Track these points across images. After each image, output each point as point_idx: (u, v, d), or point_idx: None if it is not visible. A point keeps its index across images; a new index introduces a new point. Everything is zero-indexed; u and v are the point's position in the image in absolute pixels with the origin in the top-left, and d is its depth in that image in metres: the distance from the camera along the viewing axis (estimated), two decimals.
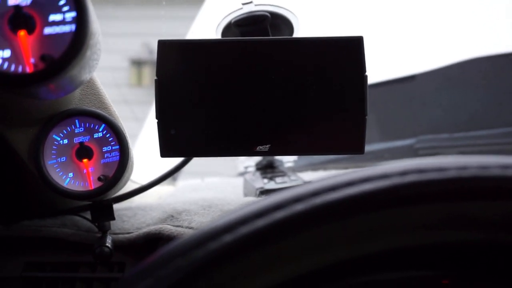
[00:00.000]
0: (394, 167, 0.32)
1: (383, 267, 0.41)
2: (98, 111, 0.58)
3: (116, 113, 0.61)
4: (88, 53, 0.42)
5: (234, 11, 0.66)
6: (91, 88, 0.59)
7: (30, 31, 0.41)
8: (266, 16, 0.65)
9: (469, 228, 0.32)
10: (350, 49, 0.57)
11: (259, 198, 0.67)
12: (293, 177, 0.82)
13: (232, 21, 0.66)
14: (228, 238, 0.30)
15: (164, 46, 0.57)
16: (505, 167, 0.31)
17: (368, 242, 0.32)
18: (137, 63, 4.58)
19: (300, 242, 0.31)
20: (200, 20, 1.52)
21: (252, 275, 0.30)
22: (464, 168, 0.31)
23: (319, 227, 0.30)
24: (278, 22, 0.68)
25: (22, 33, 0.41)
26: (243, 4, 0.65)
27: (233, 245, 0.30)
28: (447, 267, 0.40)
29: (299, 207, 0.30)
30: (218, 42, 0.59)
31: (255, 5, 0.65)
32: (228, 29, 0.68)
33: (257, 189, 0.76)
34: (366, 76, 0.57)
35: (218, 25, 0.69)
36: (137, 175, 0.90)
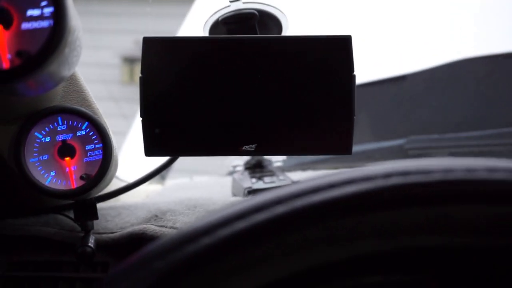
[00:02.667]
0: (378, 169, 0.31)
1: (365, 270, 0.40)
2: (82, 108, 0.57)
3: (100, 111, 0.60)
4: (67, 50, 0.41)
5: (222, 8, 0.65)
6: (74, 85, 0.58)
7: (7, 26, 0.40)
8: (254, 14, 0.64)
9: (453, 233, 0.32)
10: (339, 48, 0.56)
11: (244, 199, 0.67)
12: (281, 177, 0.81)
13: (220, 18, 0.65)
14: (206, 241, 0.29)
15: (149, 43, 0.56)
16: (492, 170, 0.30)
17: (350, 245, 0.32)
18: (129, 61, 4.57)
19: (279, 245, 0.30)
20: (191, 18, 1.51)
21: (230, 277, 0.30)
22: (449, 171, 0.30)
23: (300, 230, 0.30)
24: (266, 21, 0.67)
25: None
26: (231, 1, 0.64)
27: (211, 248, 0.29)
28: (431, 272, 0.40)
29: (280, 209, 0.30)
30: (204, 40, 0.58)
31: (243, 2, 0.64)
32: (215, 26, 0.67)
33: (245, 188, 0.75)
34: (354, 76, 0.56)
35: (206, 22, 0.68)
36: (126, 173, 0.89)
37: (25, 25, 0.40)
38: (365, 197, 0.30)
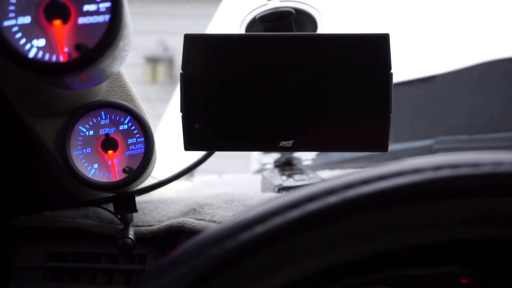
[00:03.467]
0: (428, 161, 0.32)
1: (403, 263, 0.40)
2: (124, 103, 0.59)
3: (142, 105, 0.61)
4: (121, 43, 0.43)
5: (259, 6, 0.66)
6: (118, 80, 0.60)
7: (65, 20, 0.42)
8: (291, 12, 0.65)
9: (501, 225, 0.32)
10: (376, 46, 0.57)
11: (293, 190, 0.68)
12: (311, 175, 0.82)
13: (257, 16, 0.66)
14: (260, 229, 0.30)
15: (190, 40, 0.57)
16: None
17: (396, 236, 0.32)
18: (152, 60, 4.60)
19: (332, 234, 0.31)
20: (218, 18, 1.52)
21: (284, 265, 0.31)
22: (499, 163, 0.31)
23: (351, 220, 0.30)
24: (302, 19, 0.68)
25: (57, 22, 0.41)
26: (269, 0, 0.65)
27: (265, 235, 0.30)
28: (468, 264, 0.40)
29: (332, 199, 0.30)
30: (244, 37, 0.59)
31: (280, 1, 0.65)
32: (252, 24, 0.68)
33: (275, 186, 0.76)
34: (391, 74, 0.57)
35: (243, 20, 0.69)
36: (155, 171, 0.90)
37: (82, 20, 0.42)
38: (415, 189, 0.30)
